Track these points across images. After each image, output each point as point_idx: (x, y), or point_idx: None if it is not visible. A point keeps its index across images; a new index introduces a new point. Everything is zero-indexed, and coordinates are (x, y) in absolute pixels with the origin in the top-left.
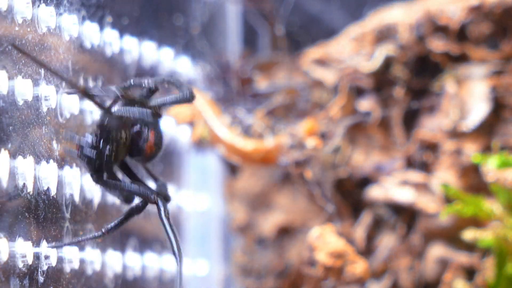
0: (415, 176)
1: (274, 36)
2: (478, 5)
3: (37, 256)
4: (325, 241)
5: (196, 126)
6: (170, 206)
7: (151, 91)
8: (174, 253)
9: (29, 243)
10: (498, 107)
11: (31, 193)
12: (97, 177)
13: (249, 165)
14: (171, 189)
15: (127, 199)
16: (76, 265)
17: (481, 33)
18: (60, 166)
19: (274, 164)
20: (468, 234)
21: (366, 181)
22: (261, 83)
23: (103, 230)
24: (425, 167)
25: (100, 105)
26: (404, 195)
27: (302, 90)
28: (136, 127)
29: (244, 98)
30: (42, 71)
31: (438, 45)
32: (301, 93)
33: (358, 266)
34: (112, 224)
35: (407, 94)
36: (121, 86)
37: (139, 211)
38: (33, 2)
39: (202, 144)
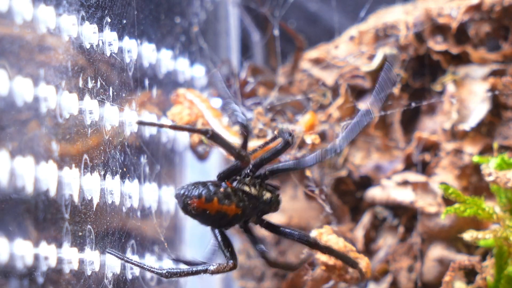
0: (415, 176)
1: (270, 39)
2: (478, 4)
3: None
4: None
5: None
6: (170, 207)
7: None
8: None
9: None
10: (498, 108)
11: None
12: None
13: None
14: None
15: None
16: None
17: (481, 33)
18: (60, 167)
19: (276, 163)
20: (468, 235)
21: (366, 181)
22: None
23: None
24: (425, 168)
25: None
26: (404, 196)
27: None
28: None
29: (244, 102)
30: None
31: (438, 44)
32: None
33: (361, 263)
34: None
35: (407, 94)
36: None
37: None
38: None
39: (202, 144)
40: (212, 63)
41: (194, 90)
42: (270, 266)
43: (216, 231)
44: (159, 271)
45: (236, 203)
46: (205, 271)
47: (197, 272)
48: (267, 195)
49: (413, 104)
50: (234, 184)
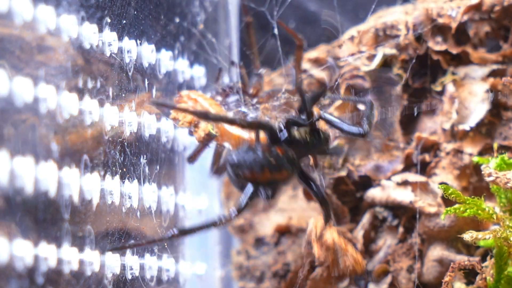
0: (415, 176)
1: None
2: (478, 4)
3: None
4: (319, 235)
5: (199, 126)
6: (170, 207)
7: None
8: None
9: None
10: (498, 108)
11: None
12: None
13: None
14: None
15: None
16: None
17: (481, 33)
18: (60, 167)
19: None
20: (468, 236)
21: (366, 181)
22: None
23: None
24: (425, 168)
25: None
26: (404, 196)
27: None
28: None
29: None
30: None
31: (437, 44)
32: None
33: (350, 257)
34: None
35: (407, 94)
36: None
37: None
38: None
39: (209, 139)
40: (222, 61)
41: (196, 91)
42: (324, 206)
43: (250, 187)
44: (169, 233)
45: (288, 170)
46: (214, 223)
47: (207, 226)
48: (317, 137)
49: (415, 108)
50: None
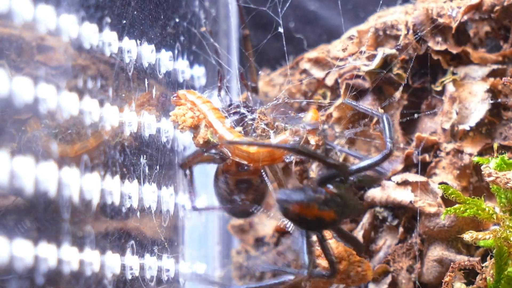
0: (415, 176)
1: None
2: (478, 4)
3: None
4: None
5: (198, 131)
6: (170, 207)
7: None
8: None
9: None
10: (498, 108)
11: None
12: None
13: (256, 165)
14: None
15: None
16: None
17: (481, 33)
18: (60, 167)
19: (281, 162)
20: (468, 236)
21: None
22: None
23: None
24: (425, 168)
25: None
26: (404, 196)
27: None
28: None
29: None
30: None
31: (438, 44)
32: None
33: (361, 266)
34: None
35: (407, 94)
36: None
37: None
38: None
39: (208, 145)
40: (222, 61)
41: (195, 92)
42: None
43: (305, 234)
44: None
45: (334, 210)
46: (283, 283)
47: (274, 285)
48: (355, 201)
49: (414, 108)
50: (331, 188)
